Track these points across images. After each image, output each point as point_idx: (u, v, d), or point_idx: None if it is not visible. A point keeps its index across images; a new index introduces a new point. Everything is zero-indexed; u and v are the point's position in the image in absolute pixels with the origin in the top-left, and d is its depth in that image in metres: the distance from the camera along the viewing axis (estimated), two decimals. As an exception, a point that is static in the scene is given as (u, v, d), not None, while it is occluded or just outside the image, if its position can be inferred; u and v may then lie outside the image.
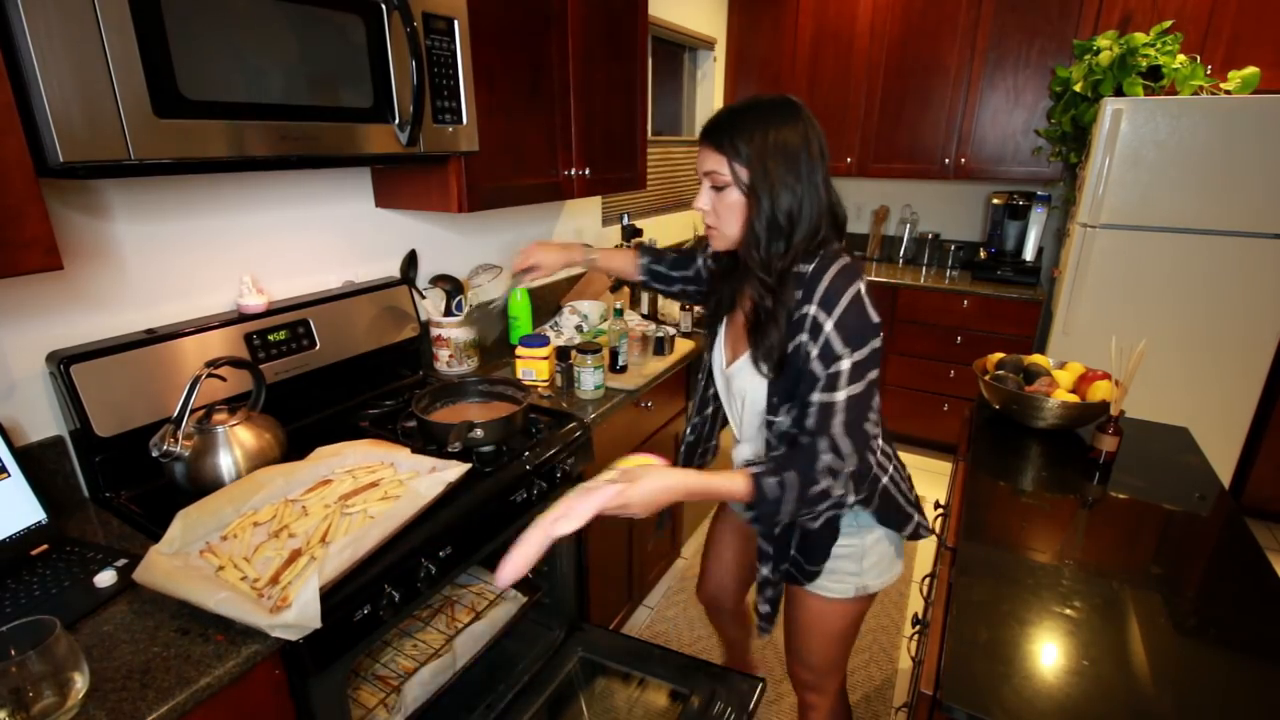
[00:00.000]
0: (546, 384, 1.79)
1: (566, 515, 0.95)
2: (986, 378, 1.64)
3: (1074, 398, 1.52)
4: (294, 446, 1.28)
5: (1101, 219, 2.56)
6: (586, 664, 1.52)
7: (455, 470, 1.18)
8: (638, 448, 1.94)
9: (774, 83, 3.49)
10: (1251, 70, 2.37)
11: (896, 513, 1.18)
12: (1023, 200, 3.22)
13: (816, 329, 0.99)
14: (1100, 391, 1.50)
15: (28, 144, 0.83)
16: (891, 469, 1.18)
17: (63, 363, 1.12)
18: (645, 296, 2.55)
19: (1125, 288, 2.59)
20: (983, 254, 3.35)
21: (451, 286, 1.83)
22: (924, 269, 3.52)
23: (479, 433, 1.31)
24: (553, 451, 1.44)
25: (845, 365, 0.98)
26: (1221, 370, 2.53)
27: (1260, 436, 2.65)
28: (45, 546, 1.06)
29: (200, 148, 0.97)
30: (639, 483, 0.99)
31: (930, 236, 3.59)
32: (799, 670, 1.34)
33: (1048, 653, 0.91)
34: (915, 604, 2.28)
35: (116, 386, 1.18)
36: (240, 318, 1.39)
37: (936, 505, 1.55)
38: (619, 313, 1.93)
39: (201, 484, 1.16)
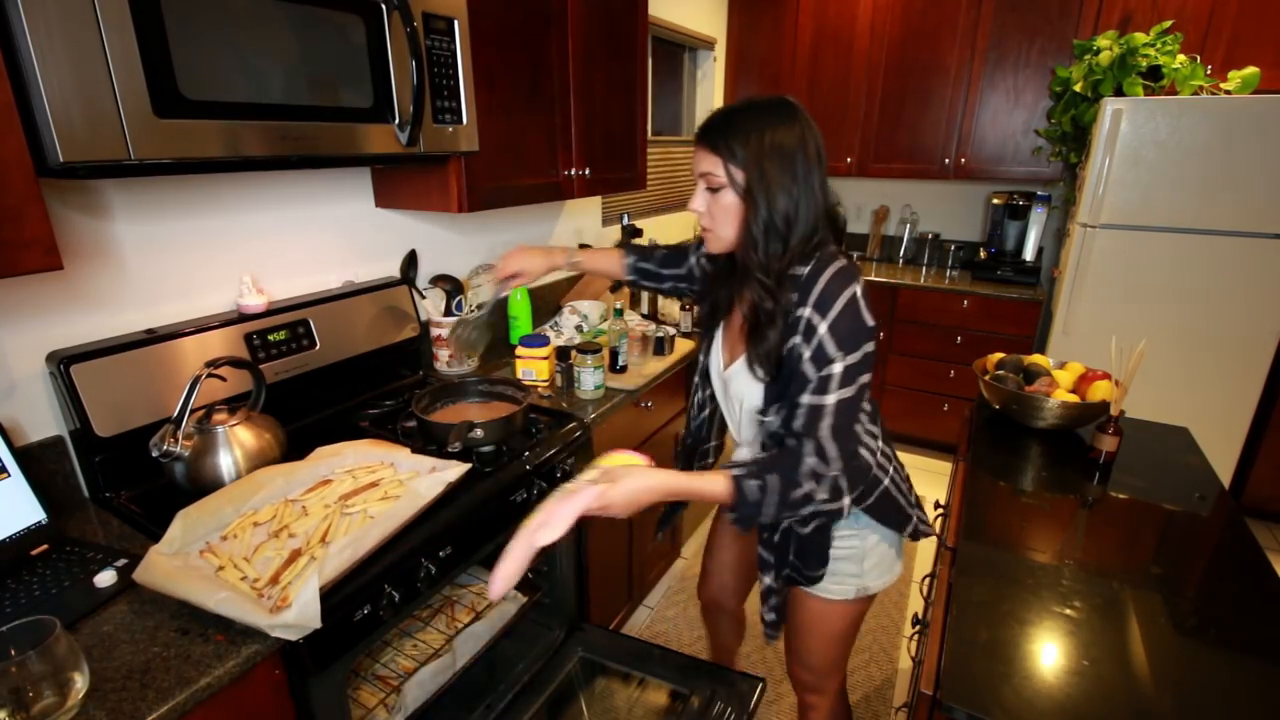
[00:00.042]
0: (546, 384, 1.79)
1: (548, 523, 0.95)
2: (986, 378, 1.64)
3: (1074, 398, 1.52)
4: (294, 446, 1.28)
5: (1101, 219, 2.56)
6: (586, 664, 1.52)
7: (455, 470, 1.18)
8: (638, 448, 1.93)
9: (774, 83, 3.49)
10: (1251, 70, 2.37)
11: (897, 513, 1.18)
12: (1023, 200, 3.22)
13: (810, 331, 0.98)
14: (1100, 391, 1.50)
15: (28, 144, 0.83)
16: (892, 470, 1.18)
17: (63, 363, 1.12)
18: (645, 296, 2.55)
19: (1125, 288, 2.59)
20: (983, 254, 3.36)
21: (451, 286, 1.84)
22: (924, 269, 3.52)
23: (479, 433, 1.31)
24: (553, 451, 1.44)
25: (837, 368, 0.98)
26: (1221, 370, 2.53)
27: (1260, 436, 2.65)
28: (45, 546, 1.06)
29: (200, 148, 0.97)
30: (619, 483, 0.99)
31: (930, 236, 3.59)
32: (799, 671, 1.34)
33: (1048, 653, 0.91)
34: (915, 604, 2.28)
35: (116, 386, 1.18)
36: (240, 318, 1.39)
37: (936, 505, 1.55)
38: (619, 313, 1.93)
39: (201, 484, 1.16)
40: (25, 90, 0.81)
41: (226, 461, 1.18)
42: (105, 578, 0.97)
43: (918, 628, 1.42)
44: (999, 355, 1.73)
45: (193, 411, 1.14)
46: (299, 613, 0.85)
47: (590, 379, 1.71)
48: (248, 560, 0.99)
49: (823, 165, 1.02)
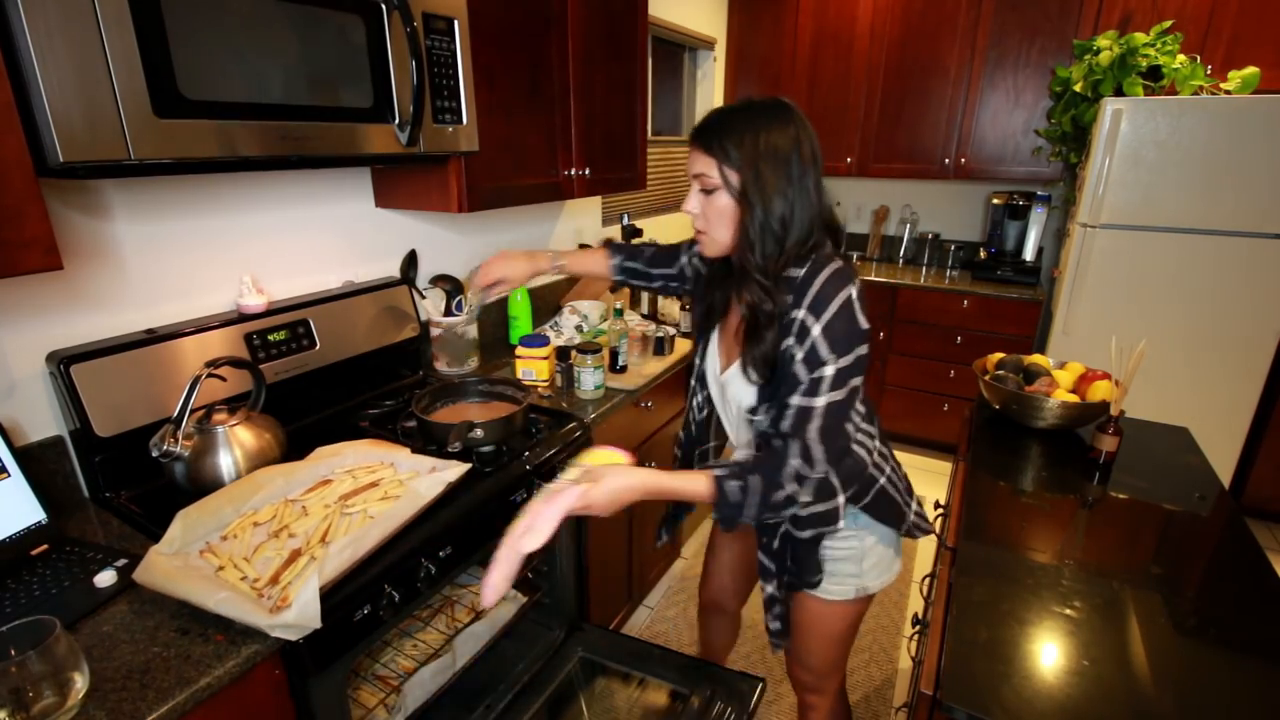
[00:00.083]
0: (546, 384, 1.79)
1: (532, 529, 0.96)
2: (986, 378, 1.64)
3: (1074, 398, 1.52)
4: (294, 446, 1.28)
5: (1101, 219, 2.56)
6: (586, 664, 1.52)
7: (455, 470, 1.18)
8: (638, 448, 1.94)
9: (774, 83, 3.49)
10: (1251, 70, 2.37)
11: (894, 511, 1.18)
12: (1023, 200, 3.22)
13: (804, 333, 0.98)
14: (1100, 391, 1.50)
15: (28, 144, 0.83)
16: (888, 469, 1.18)
17: (63, 363, 1.12)
18: (645, 296, 2.55)
19: (1125, 288, 2.59)
20: (983, 254, 3.36)
21: (451, 286, 1.83)
22: (924, 269, 3.52)
23: (479, 433, 1.31)
24: (553, 451, 1.44)
25: (829, 371, 0.97)
26: (1222, 370, 2.53)
27: (1260, 436, 2.65)
28: (45, 546, 1.06)
29: (200, 148, 0.97)
30: (601, 483, 1.00)
31: (930, 236, 3.59)
32: (799, 671, 1.34)
33: (1048, 653, 0.91)
34: (915, 604, 2.28)
35: (116, 386, 1.18)
36: (240, 318, 1.39)
37: (936, 505, 1.55)
38: (619, 313, 1.93)
39: (201, 484, 1.16)
40: (25, 90, 0.81)
41: (226, 461, 1.18)
42: (105, 578, 0.97)
43: (918, 628, 1.42)
44: (999, 355, 1.73)
45: (193, 411, 1.13)
46: (299, 613, 0.85)
47: (590, 379, 1.71)
48: (248, 560, 0.99)
49: (818, 167, 1.02)
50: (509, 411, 1.38)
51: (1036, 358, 1.70)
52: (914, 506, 1.23)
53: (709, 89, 3.58)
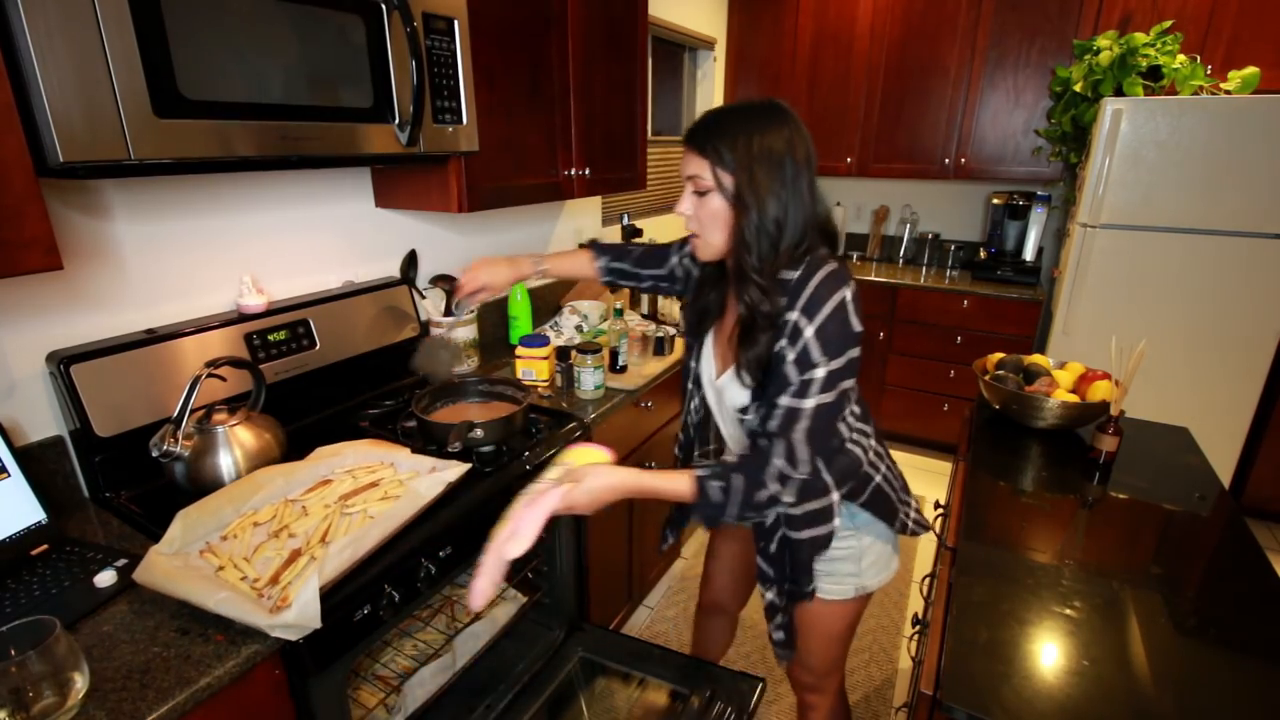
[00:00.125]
0: (546, 384, 1.79)
1: (516, 534, 0.97)
2: (986, 378, 1.64)
3: (1074, 398, 1.52)
4: (294, 446, 1.28)
5: (1101, 219, 2.56)
6: (586, 664, 1.52)
7: (455, 470, 1.18)
8: (638, 448, 1.94)
9: (774, 83, 3.49)
10: (1251, 70, 2.37)
11: (890, 511, 1.18)
12: (1023, 200, 3.22)
13: (796, 334, 0.97)
14: (1100, 391, 1.50)
15: (28, 144, 0.83)
16: (884, 468, 1.18)
17: (63, 363, 1.12)
18: (645, 296, 2.55)
19: (1125, 288, 2.59)
20: (983, 254, 3.36)
21: (451, 286, 1.83)
22: (924, 269, 3.52)
23: (479, 433, 1.31)
24: (553, 452, 1.44)
25: (820, 373, 0.97)
26: (1222, 370, 2.53)
27: (1260, 436, 2.65)
28: (45, 546, 1.06)
29: (200, 148, 0.97)
30: (582, 483, 1.01)
31: (930, 236, 3.59)
32: (798, 672, 1.34)
33: (1048, 653, 0.91)
34: (915, 604, 2.28)
35: (116, 386, 1.18)
36: (240, 318, 1.39)
37: (936, 505, 1.55)
38: (619, 313, 1.93)
39: (201, 484, 1.16)
40: (25, 90, 0.81)
41: (226, 461, 1.18)
42: (105, 578, 0.97)
43: (918, 628, 1.42)
44: (999, 355, 1.73)
45: (193, 411, 1.14)
46: (299, 613, 0.85)
47: (590, 379, 1.71)
48: (248, 560, 0.99)
49: (812, 169, 1.01)
50: (509, 411, 1.38)
51: (1036, 358, 1.70)
52: (911, 504, 1.23)
53: (709, 89, 3.58)
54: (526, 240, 2.32)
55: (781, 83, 3.47)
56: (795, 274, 0.99)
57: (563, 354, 1.79)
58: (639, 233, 2.73)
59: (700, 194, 1.02)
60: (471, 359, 1.89)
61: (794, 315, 0.98)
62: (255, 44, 1.01)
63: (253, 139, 1.03)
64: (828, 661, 1.30)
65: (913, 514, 1.23)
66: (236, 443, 1.19)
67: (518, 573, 1.58)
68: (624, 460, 1.87)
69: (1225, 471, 2.63)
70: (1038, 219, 3.22)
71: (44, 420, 1.19)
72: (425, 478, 1.16)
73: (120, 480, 1.21)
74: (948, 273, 3.43)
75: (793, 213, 0.99)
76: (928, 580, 1.38)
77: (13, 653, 0.73)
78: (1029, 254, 3.25)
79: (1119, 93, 2.54)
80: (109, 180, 1.21)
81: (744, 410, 1.09)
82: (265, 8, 1.02)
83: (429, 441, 1.35)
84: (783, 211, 0.99)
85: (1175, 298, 2.53)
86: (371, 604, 1.01)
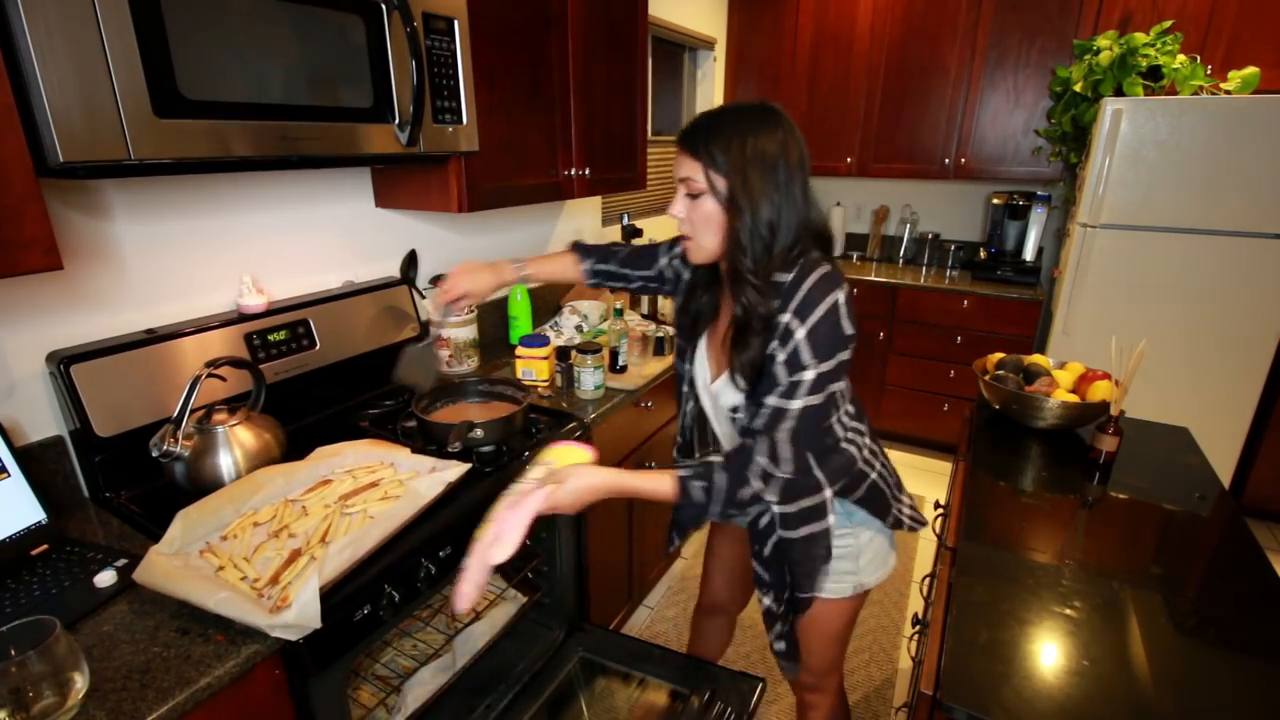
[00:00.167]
0: (546, 384, 1.79)
1: (500, 538, 0.97)
2: (986, 378, 1.64)
3: (1074, 398, 1.52)
4: (294, 446, 1.28)
5: (1101, 219, 2.56)
6: (586, 664, 1.52)
7: (455, 470, 1.18)
8: (637, 448, 1.94)
9: (774, 83, 3.49)
10: (1251, 70, 2.37)
11: (884, 507, 1.19)
12: (1023, 200, 3.22)
13: (788, 335, 0.97)
14: (1100, 391, 1.50)
15: (28, 144, 0.83)
16: (879, 465, 1.19)
17: (63, 363, 1.12)
18: (645, 296, 2.55)
19: (1125, 288, 2.59)
20: (983, 254, 3.36)
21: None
22: (924, 269, 3.52)
23: (479, 433, 1.31)
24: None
25: (809, 375, 0.97)
26: (1222, 370, 2.53)
27: (1260, 436, 2.65)
28: (45, 546, 1.06)
29: (200, 148, 0.97)
30: (565, 484, 1.02)
31: (930, 236, 3.59)
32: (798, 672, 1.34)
33: (1048, 653, 0.91)
34: (915, 604, 2.28)
35: (116, 386, 1.18)
36: (240, 318, 1.39)
37: (936, 505, 1.55)
38: (619, 313, 1.93)
39: (201, 484, 1.16)
40: (25, 90, 0.81)
41: (226, 461, 1.18)
42: (105, 578, 0.97)
43: (918, 628, 1.42)
44: (999, 355, 1.73)
45: (193, 411, 1.14)
46: (299, 613, 0.85)
47: (590, 379, 1.71)
48: (248, 560, 0.99)
49: (805, 173, 1.01)
50: (509, 411, 1.38)
51: (1036, 358, 1.70)
52: (905, 500, 1.24)
53: (709, 89, 3.58)
54: (526, 240, 2.32)
55: (781, 83, 3.47)
56: (788, 276, 0.99)
57: (563, 354, 1.79)
58: (639, 233, 2.73)
59: (693, 196, 1.02)
60: (471, 359, 1.89)
61: (786, 317, 0.98)
62: (255, 44, 1.01)
63: (252, 139, 1.03)
64: (827, 660, 1.30)
65: (906, 510, 1.23)
66: (236, 443, 1.19)
67: (517, 573, 1.58)
68: (625, 460, 1.87)
69: (1225, 471, 2.63)
70: (1038, 219, 3.22)
71: (44, 420, 1.19)
72: (425, 478, 1.16)
73: (120, 480, 1.21)
74: (948, 273, 3.43)
75: (786, 216, 0.99)
76: (928, 580, 1.38)
77: (13, 653, 0.73)
78: (1029, 254, 3.25)
79: (1119, 93, 2.54)
80: (109, 180, 1.21)
81: (735, 409, 1.09)
82: (265, 8, 1.02)
83: (429, 441, 1.35)
84: (776, 215, 0.98)
85: (1175, 298, 2.53)
86: (371, 604, 1.01)
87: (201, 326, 1.32)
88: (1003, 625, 0.96)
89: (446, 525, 1.16)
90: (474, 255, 2.08)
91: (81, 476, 1.22)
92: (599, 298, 2.39)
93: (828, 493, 1.10)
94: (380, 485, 1.18)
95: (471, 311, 1.88)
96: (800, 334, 0.96)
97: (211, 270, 1.40)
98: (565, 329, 2.15)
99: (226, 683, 0.84)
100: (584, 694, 1.50)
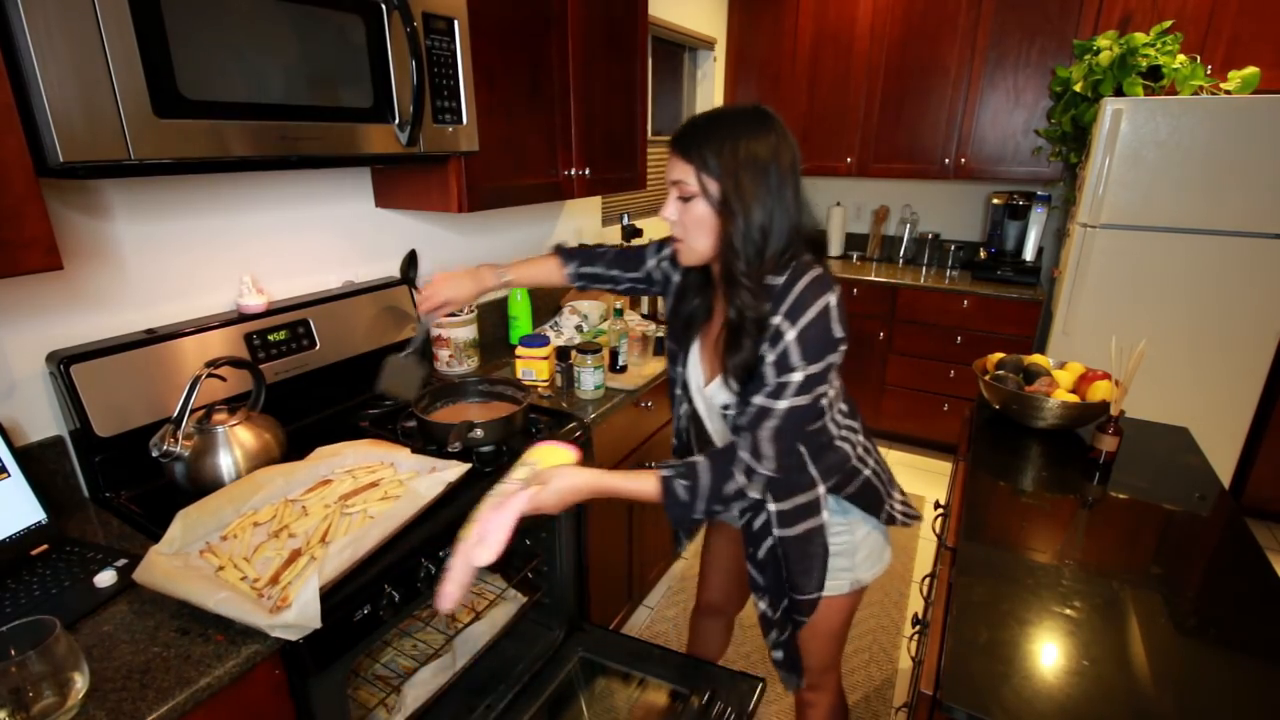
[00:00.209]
0: (546, 384, 1.79)
1: (484, 540, 0.97)
2: (986, 378, 1.64)
3: (1074, 398, 1.52)
4: (294, 446, 1.28)
5: (1101, 219, 2.56)
6: (586, 664, 1.52)
7: (455, 470, 1.18)
8: (637, 448, 1.94)
9: (774, 83, 3.49)
10: (1251, 70, 2.37)
11: (879, 504, 1.19)
12: (1023, 200, 3.22)
13: (778, 337, 0.98)
14: (1100, 391, 1.50)
15: (28, 144, 0.83)
16: (872, 462, 1.19)
17: (63, 363, 1.12)
18: (645, 297, 2.55)
19: (1125, 288, 2.59)
20: (983, 254, 3.36)
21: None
22: (924, 269, 3.52)
23: (479, 433, 1.31)
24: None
25: (797, 377, 0.98)
26: (1222, 370, 2.53)
27: (1260, 436, 2.65)
28: (45, 546, 1.06)
29: (200, 148, 0.97)
30: (549, 485, 1.02)
31: (930, 236, 3.59)
32: (798, 670, 1.34)
33: (1048, 653, 0.91)
34: (915, 604, 2.28)
35: (116, 386, 1.18)
36: (240, 318, 1.39)
37: (936, 505, 1.55)
38: (619, 313, 1.93)
39: (201, 484, 1.16)
40: (25, 90, 0.81)
41: (226, 461, 1.18)
42: (105, 578, 0.97)
43: (918, 628, 1.42)
44: (999, 355, 1.73)
45: (193, 411, 1.14)
46: (299, 613, 0.85)
47: (590, 379, 1.71)
48: (248, 560, 0.99)
49: (797, 176, 1.01)
50: (509, 411, 1.38)
51: (1036, 358, 1.70)
52: (897, 496, 1.24)
53: (709, 89, 3.58)
54: (526, 240, 2.32)
55: (781, 83, 3.47)
56: (780, 280, 1.00)
57: (563, 354, 1.79)
58: (639, 232, 2.73)
59: (685, 199, 1.02)
60: (471, 359, 1.89)
61: (777, 319, 0.98)
62: (255, 44, 1.01)
63: (252, 139, 1.03)
64: (825, 659, 1.30)
65: (899, 505, 1.23)
66: (236, 443, 1.19)
67: (517, 573, 1.58)
68: (625, 460, 1.87)
69: (1225, 471, 2.63)
70: (1038, 219, 3.22)
71: (44, 420, 1.19)
72: (425, 478, 1.16)
73: (120, 480, 1.21)
74: (948, 273, 3.43)
75: (778, 220, 0.99)
76: (928, 580, 1.38)
77: (13, 653, 0.73)
78: (1029, 254, 3.25)
79: (1119, 93, 2.54)
80: (109, 180, 1.21)
81: (727, 407, 1.10)
82: (265, 8, 1.02)
83: (429, 441, 1.35)
84: (768, 218, 0.98)
85: (1175, 298, 2.53)
86: (371, 604, 1.01)
87: (201, 326, 1.32)
88: (1003, 625, 0.96)
89: (446, 525, 1.15)
90: (474, 255, 2.08)
91: (81, 476, 1.22)
92: (599, 298, 2.38)
93: (821, 489, 1.11)
94: (380, 485, 1.18)
95: (471, 311, 1.88)
96: (790, 336, 0.97)
97: (211, 270, 1.40)
98: (565, 329, 2.15)
99: (226, 683, 0.84)
100: (584, 694, 1.50)
